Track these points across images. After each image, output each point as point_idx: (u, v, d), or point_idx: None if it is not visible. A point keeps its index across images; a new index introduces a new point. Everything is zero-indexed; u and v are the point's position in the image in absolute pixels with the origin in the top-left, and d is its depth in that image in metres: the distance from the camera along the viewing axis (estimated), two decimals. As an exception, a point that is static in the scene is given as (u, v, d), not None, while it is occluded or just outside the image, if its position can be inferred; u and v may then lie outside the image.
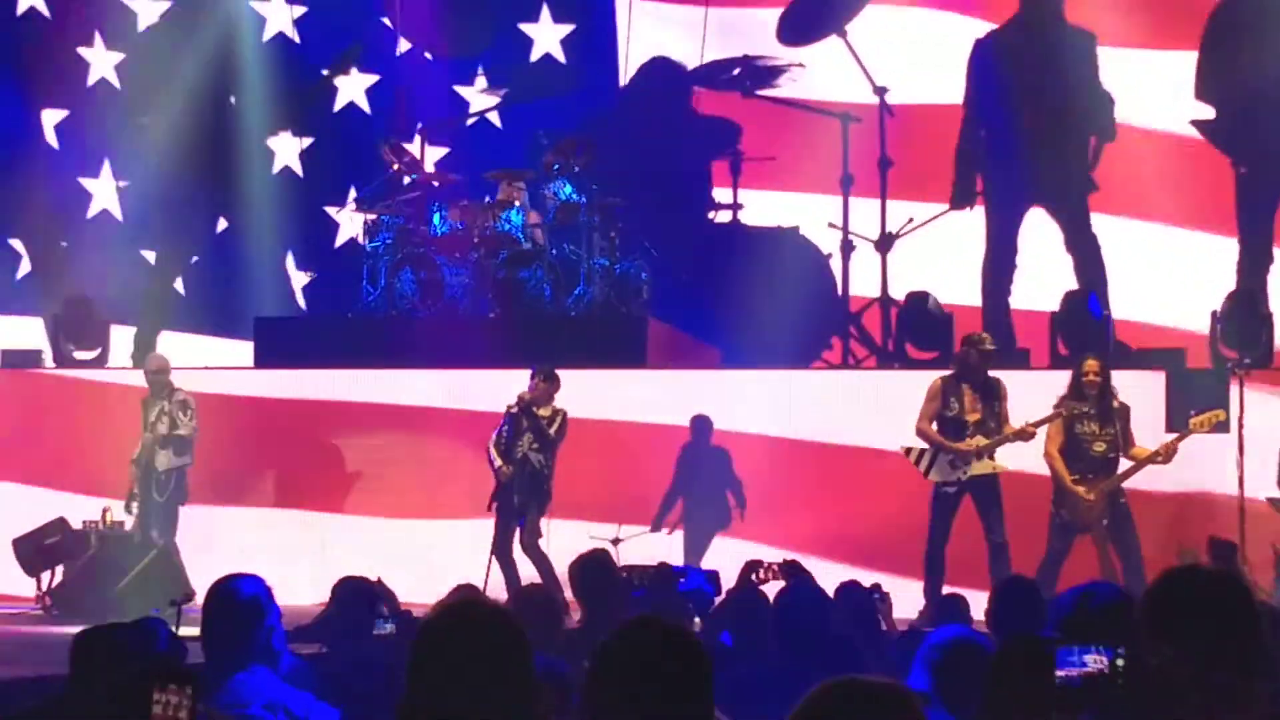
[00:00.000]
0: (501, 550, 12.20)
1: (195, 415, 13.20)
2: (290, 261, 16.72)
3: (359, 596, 7.95)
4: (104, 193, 16.87)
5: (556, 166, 14.42)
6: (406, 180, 14.88)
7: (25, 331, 16.10)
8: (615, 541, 12.05)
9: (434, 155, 16.26)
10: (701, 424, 13.53)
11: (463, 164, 15.80)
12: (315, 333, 15.05)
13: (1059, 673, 3.02)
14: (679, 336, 14.85)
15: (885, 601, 8.85)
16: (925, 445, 11.78)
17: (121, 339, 15.52)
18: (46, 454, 14.40)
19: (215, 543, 13.33)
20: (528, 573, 12.07)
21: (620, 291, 14.46)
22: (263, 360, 14.69)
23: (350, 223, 16.32)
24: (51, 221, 16.86)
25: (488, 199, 14.60)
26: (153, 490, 13.14)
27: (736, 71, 15.78)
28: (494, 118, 16.64)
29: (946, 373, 12.08)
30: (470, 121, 16.62)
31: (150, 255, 16.73)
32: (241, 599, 4.97)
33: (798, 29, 15.91)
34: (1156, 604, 3.53)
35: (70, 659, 4.45)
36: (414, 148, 15.84)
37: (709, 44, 16.05)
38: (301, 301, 16.69)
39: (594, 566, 7.67)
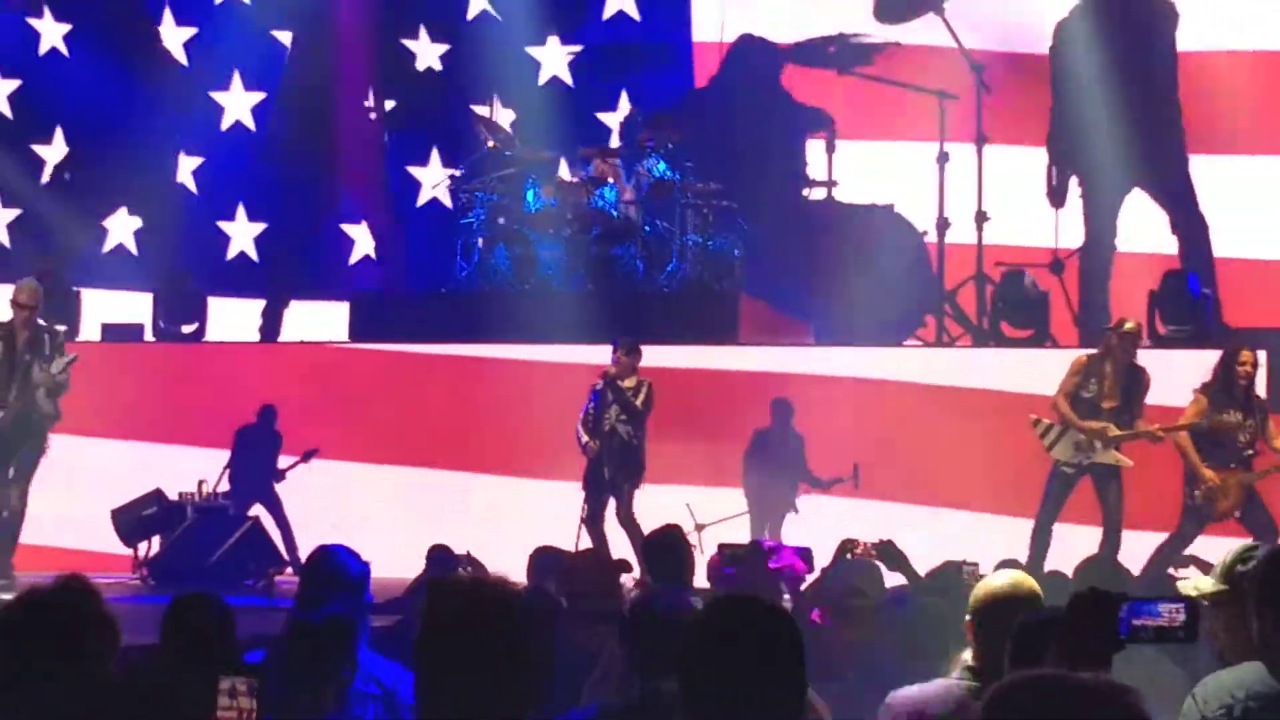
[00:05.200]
0: (592, 523, 12.23)
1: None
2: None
3: (441, 567, 8.10)
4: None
5: (650, 143, 14.41)
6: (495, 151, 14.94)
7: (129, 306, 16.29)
8: (699, 528, 12.06)
9: (505, 118, 16.36)
10: (781, 408, 13.43)
11: (534, 128, 15.83)
12: (409, 307, 15.13)
13: (1135, 622, 3.12)
14: (772, 313, 14.79)
15: (975, 576, 8.80)
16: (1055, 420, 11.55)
17: (221, 312, 15.70)
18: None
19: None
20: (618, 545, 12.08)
21: (713, 268, 14.42)
22: (358, 334, 14.82)
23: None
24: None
25: (581, 175, 14.62)
26: (39, 437, 11.88)
27: (832, 49, 15.68)
28: (566, 77, 16.68)
29: (1093, 351, 11.70)
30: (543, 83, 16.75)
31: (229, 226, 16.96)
32: (353, 576, 4.98)
33: (895, 7, 15.79)
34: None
35: (161, 627, 4.51)
36: (484, 110, 16.01)
37: (804, 20, 15.98)
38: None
39: (665, 543, 7.65)
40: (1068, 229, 14.99)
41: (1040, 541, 11.42)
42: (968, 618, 4.50)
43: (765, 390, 13.55)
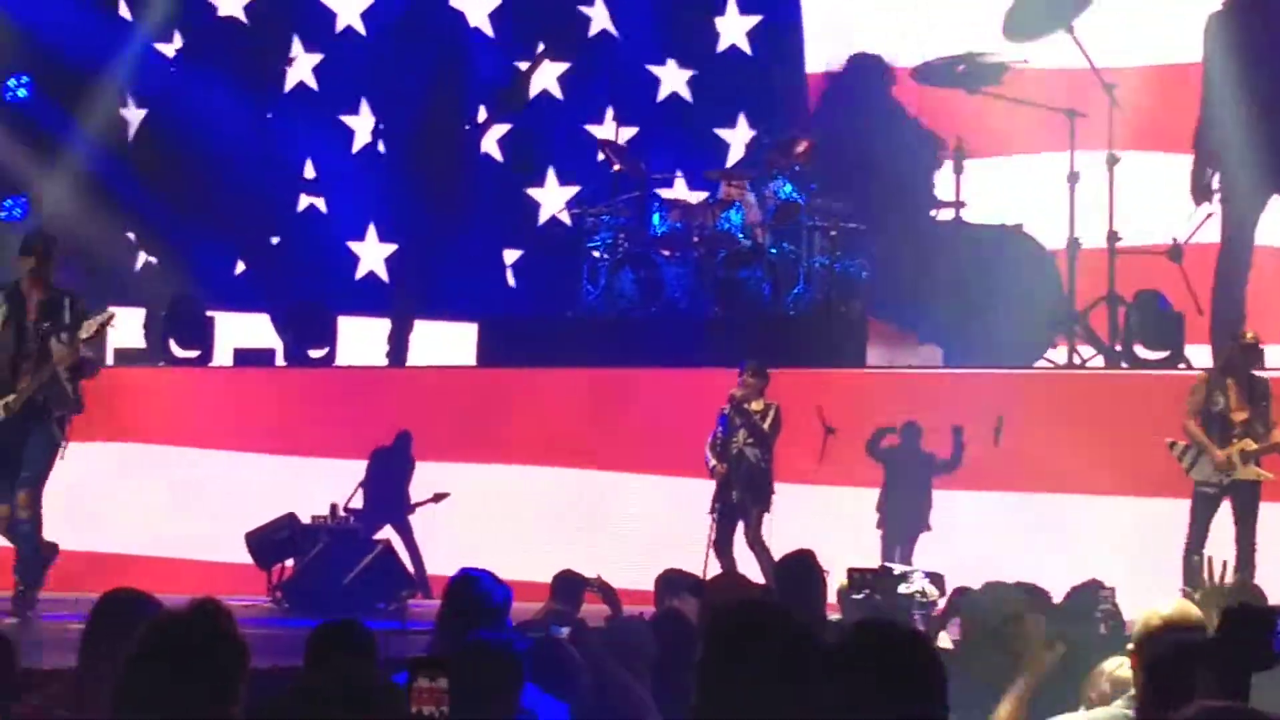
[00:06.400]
0: (721, 548, 12.21)
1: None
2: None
3: (567, 595, 8.12)
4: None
5: (776, 166, 14.38)
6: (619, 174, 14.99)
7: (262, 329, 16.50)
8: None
9: (625, 134, 16.34)
10: (910, 430, 13.36)
11: (652, 143, 15.82)
12: (537, 332, 15.19)
13: None
14: (900, 335, 14.69)
15: (1110, 600, 8.78)
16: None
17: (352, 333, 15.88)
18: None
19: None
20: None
21: (840, 290, 14.35)
22: (485, 359, 14.90)
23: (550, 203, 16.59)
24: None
25: (709, 198, 14.63)
26: (50, 431, 9.79)
27: (960, 68, 15.56)
28: (686, 94, 16.66)
29: (1210, 367, 11.66)
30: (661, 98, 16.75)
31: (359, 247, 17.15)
32: (496, 603, 5.02)
33: (1024, 24, 15.64)
34: None
35: (306, 651, 4.58)
36: (605, 130, 16.02)
37: (930, 40, 15.88)
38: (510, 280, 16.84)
39: (797, 567, 7.61)
40: (1202, 232, 14.69)
41: (1191, 567, 11.23)
42: (1130, 646, 4.44)
43: (893, 387, 13.54)
